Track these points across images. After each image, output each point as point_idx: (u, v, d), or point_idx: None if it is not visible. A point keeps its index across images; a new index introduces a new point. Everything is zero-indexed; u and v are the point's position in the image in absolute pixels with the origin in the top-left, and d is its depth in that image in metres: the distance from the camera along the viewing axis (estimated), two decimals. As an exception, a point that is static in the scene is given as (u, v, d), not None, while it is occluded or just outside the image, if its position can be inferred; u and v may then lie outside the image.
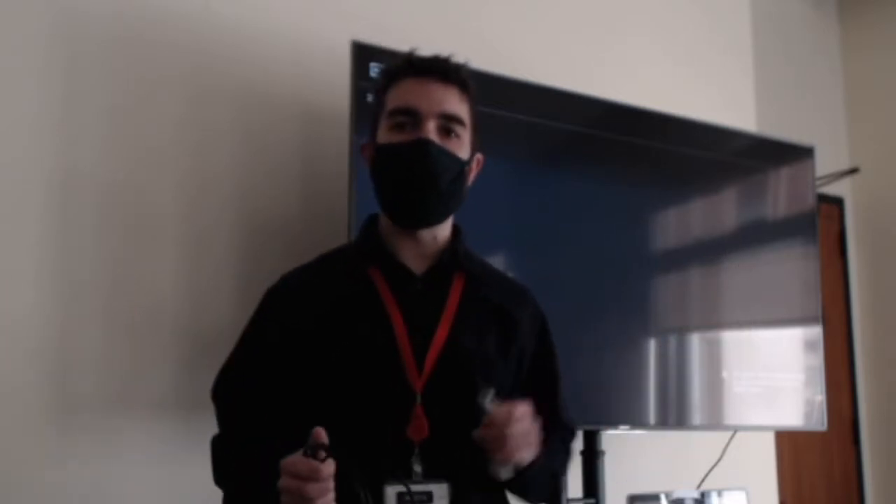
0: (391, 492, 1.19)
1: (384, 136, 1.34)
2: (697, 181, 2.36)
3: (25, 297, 1.64)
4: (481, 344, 1.35)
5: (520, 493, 1.37)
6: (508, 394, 1.31)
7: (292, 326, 1.31)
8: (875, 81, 3.95)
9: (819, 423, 2.47)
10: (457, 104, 1.36)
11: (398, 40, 1.90)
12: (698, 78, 2.72)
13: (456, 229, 1.41)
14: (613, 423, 2.12)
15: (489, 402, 1.19)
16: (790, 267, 2.46)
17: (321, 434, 1.10)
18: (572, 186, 2.13)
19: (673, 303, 2.28)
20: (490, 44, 2.23)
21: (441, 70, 1.35)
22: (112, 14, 1.77)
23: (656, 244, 2.29)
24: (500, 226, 2.02)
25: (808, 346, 2.47)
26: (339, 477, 1.11)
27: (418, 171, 1.30)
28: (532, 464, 1.25)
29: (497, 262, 2.06)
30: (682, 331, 2.28)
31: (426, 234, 1.36)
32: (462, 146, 1.37)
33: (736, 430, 2.35)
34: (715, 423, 2.30)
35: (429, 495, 1.20)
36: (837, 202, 3.94)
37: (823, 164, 2.90)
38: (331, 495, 1.10)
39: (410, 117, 1.32)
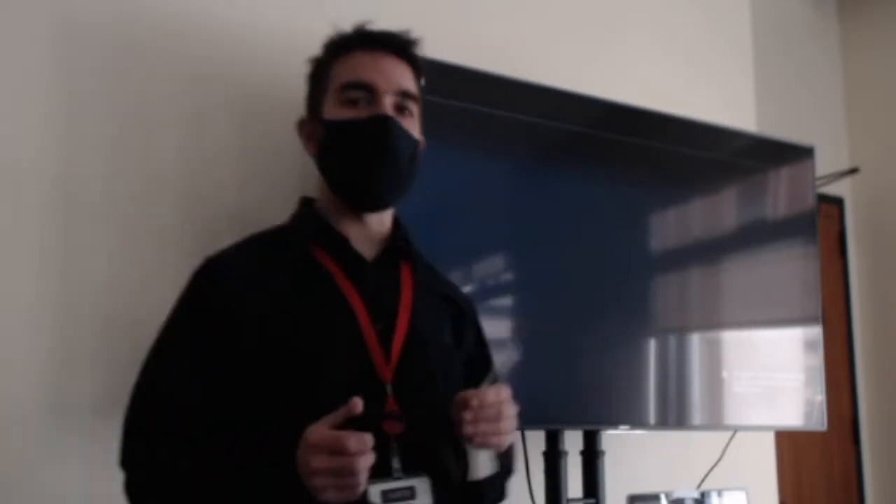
0: (374, 490, 1.12)
1: (333, 111, 1.26)
2: (697, 181, 2.36)
3: (26, 299, 1.64)
4: (438, 333, 1.31)
5: (495, 494, 1.29)
6: (461, 384, 1.26)
7: (243, 310, 1.18)
8: (875, 81, 3.95)
9: (819, 423, 2.47)
10: (411, 81, 1.30)
11: (398, 40, 1.91)
12: (698, 78, 2.72)
13: (395, 215, 1.35)
14: (613, 423, 2.12)
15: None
16: (790, 267, 2.46)
17: (358, 404, 1.04)
18: (572, 186, 2.13)
19: (673, 303, 2.28)
20: (490, 44, 2.22)
21: (397, 45, 1.30)
22: (112, 19, 1.77)
23: (656, 244, 2.29)
24: (499, 226, 2.02)
25: (808, 346, 2.47)
26: None
27: (380, 149, 1.23)
28: (508, 456, 1.21)
29: (497, 262, 2.06)
30: (682, 331, 2.28)
31: (374, 219, 1.29)
32: (415, 125, 1.31)
33: (736, 430, 2.35)
34: (715, 423, 2.31)
35: (412, 491, 1.14)
36: (837, 202, 3.94)
37: (823, 164, 2.90)
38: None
39: (365, 92, 1.25)
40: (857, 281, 3.94)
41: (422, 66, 1.33)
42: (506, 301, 2.07)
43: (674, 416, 2.23)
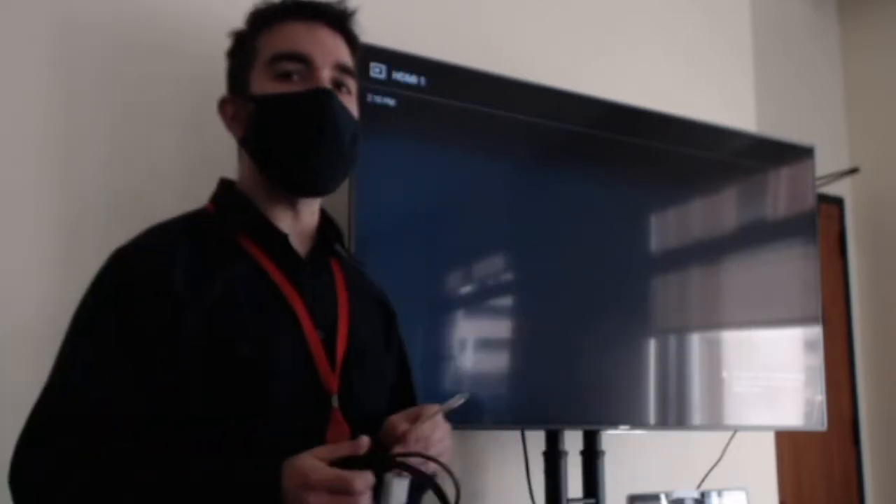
0: None
1: (264, 86, 1.12)
2: (697, 181, 2.36)
3: (28, 301, 1.64)
4: (376, 341, 1.23)
5: None
6: (390, 389, 1.23)
7: (177, 307, 1.04)
8: (875, 81, 3.95)
9: (819, 423, 2.47)
10: (348, 55, 1.19)
11: (398, 40, 1.91)
12: (698, 78, 2.72)
13: (322, 206, 1.23)
14: (613, 423, 2.12)
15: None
16: (790, 267, 2.46)
17: (365, 443, 0.97)
18: (572, 186, 2.13)
19: (673, 303, 2.28)
20: (490, 44, 2.23)
21: (333, 16, 1.18)
22: (112, 19, 1.77)
23: (656, 244, 2.29)
24: (499, 226, 2.02)
25: (808, 346, 2.47)
26: None
27: (320, 125, 1.11)
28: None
29: (497, 262, 2.06)
30: (682, 331, 2.28)
31: (306, 210, 1.18)
32: (354, 104, 1.19)
33: (736, 430, 2.35)
34: (715, 423, 2.31)
35: None
36: (837, 202, 3.94)
37: (823, 164, 2.90)
38: None
39: (300, 65, 1.12)
40: (857, 281, 3.94)
41: (359, 42, 1.22)
42: (506, 301, 2.07)
43: (674, 416, 2.24)
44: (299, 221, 1.17)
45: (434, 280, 1.92)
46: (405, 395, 1.30)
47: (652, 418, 2.17)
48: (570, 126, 2.14)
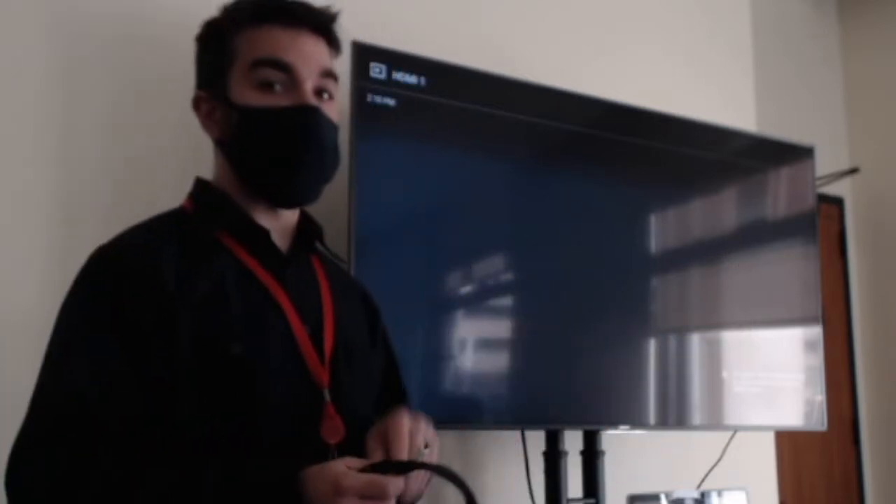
0: None
1: (246, 94, 1.10)
2: (697, 181, 2.36)
3: (27, 299, 1.64)
4: (361, 335, 1.24)
5: None
6: (378, 385, 1.24)
7: (167, 305, 1.03)
8: (875, 81, 3.95)
9: (819, 423, 2.47)
10: (329, 59, 1.17)
11: (398, 40, 1.91)
12: (698, 78, 2.72)
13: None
14: (613, 423, 2.12)
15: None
16: (790, 267, 2.46)
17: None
18: (572, 186, 2.13)
19: (673, 303, 2.28)
20: (490, 44, 2.22)
21: (318, 21, 1.15)
22: (111, 13, 1.77)
23: (656, 244, 2.29)
24: (499, 226, 2.02)
25: (808, 346, 2.47)
26: None
27: (305, 144, 1.10)
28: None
29: (497, 262, 2.06)
30: (682, 331, 2.28)
31: (287, 210, 1.18)
32: (334, 108, 1.17)
33: (736, 430, 2.35)
34: (715, 423, 2.31)
35: None
36: (837, 202, 3.94)
37: (823, 164, 2.90)
38: None
39: (283, 74, 1.10)
40: (857, 281, 3.94)
41: (340, 43, 1.20)
42: (506, 301, 2.07)
43: (674, 416, 2.24)
44: (279, 219, 1.17)
45: (434, 280, 1.92)
46: (392, 389, 1.31)
47: (652, 418, 2.17)
48: (570, 126, 2.14)
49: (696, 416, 2.26)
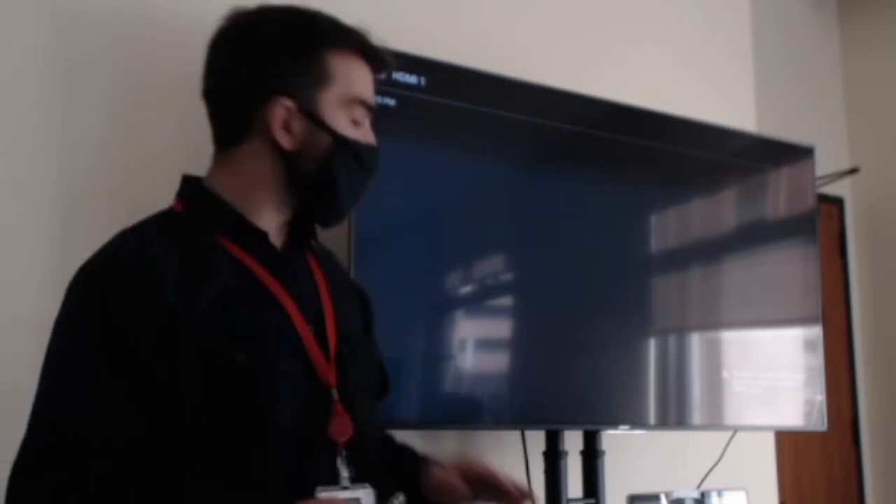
0: (323, 495, 1.03)
1: (340, 122, 1.13)
2: (697, 181, 2.36)
3: (27, 298, 1.64)
4: (360, 331, 1.24)
5: None
6: (377, 378, 1.26)
7: (170, 319, 1.01)
8: (875, 81, 3.95)
9: (819, 423, 2.47)
10: None
11: (398, 40, 1.90)
12: (698, 78, 2.72)
13: None
14: (613, 423, 2.12)
15: None
16: (790, 267, 2.46)
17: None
18: (572, 186, 2.13)
19: (673, 303, 2.28)
20: (490, 44, 2.22)
21: (387, 70, 1.22)
22: (112, 13, 1.77)
23: (656, 244, 2.29)
24: (499, 226, 2.02)
25: (808, 346, 2.47)
26: None
27: (370, 180, 1.18)
28: None
29: (497, 262, 2.06)
30: (682, 331, 2.28)
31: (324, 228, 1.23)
32: None
33: (736, 430, 2.35)
34: (715, 423, 2.30)
35: (357, 502, 1.04)
36: (837, 202, 3.94)
37: (823, 164, 2.90)
38: None
39: (366, 113, 1.16)
40: (857, 281, 3.94)
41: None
42: (506, 301, 2.07)
43: (674, 416, 2.24)
44: (276, 220, 1.16)
45: (434, 280, 1.92)
46: (380, 379, 1.31)
47: (652, 418, 2.17)
48: (570, 126, 2.14)
49: (696, 416, 2.26)
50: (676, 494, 2.07)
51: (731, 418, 2.31)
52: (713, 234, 2.37)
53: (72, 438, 0.98)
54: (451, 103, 1.94)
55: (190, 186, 1.17)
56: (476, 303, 2.01)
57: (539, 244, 2.05)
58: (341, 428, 1.08)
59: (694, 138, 2.34)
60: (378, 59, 1.18)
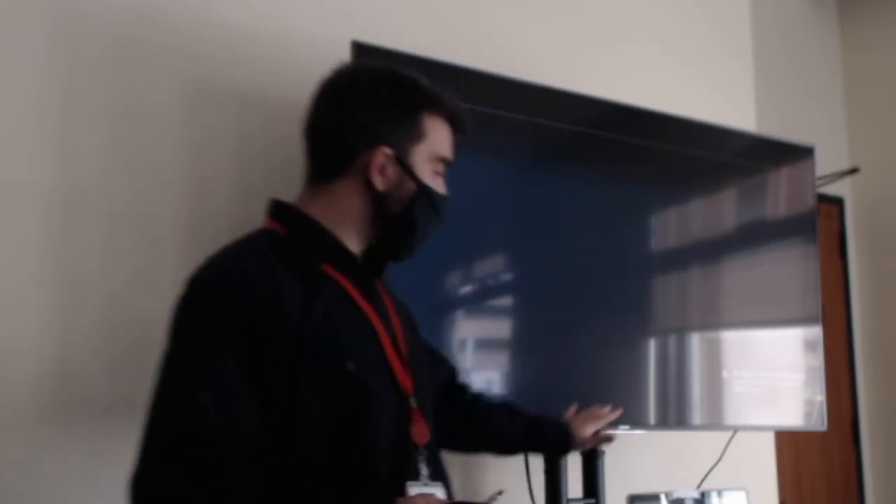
0: (413, 491, 1.20)
1: (426, 174, 1.32)
2: (697, 181, 2.36)
3: (27, 304, 1.64)
4: (417, 338, 1.40)
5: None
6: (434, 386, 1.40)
7: (288, 328, 1.15)
8: (875, 81, 3.95)
9: (819, 423, 2.47)
10: None
11: (398, 40, 1.91)
12: (698, 78, 2.72)
13: None
14: (613, 424, 2.11)
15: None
16: (790, 267, 2.46)
17: None
18: (572, 186, 2.13)
19: (673, 303, 2.28)
20: (490, 44, 2.22)
21: (467, 133, 1.39)
22: (111, 17, 1.77)
23: (656, 244, 2.29)
24: (499, 226, 2.02)
25: (808, 346, 2.47)
26: None
27: (439, 226, 1.38)
28: None
29: (497, 262, 2.06)
30: (682, 331, 2.28)
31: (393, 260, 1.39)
32: None
33: (736, 430, 2.35)
34: (715, 423, 2.30)
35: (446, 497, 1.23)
36: (837, 202, 3.94)
37: (823, 164, 2.90)
38: None
39: (444, 167, 1.36)
40: (857, 281, 3.94)
41: None
42: (506, 301, 2.07)
43: (674, 416, 2.23)
44: (359, 247, 1.32)
45: (433, 280, 1.92)
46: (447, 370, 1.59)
47: (652, 418, 2.17)
48: (570, 126, 2.14)
49: (696, 416, 2.26)
50: (676, 494, 2.07)
51: (731, 418, 2.31)
52: (713, 235, 2.37)
53: (201, 435, 1.08)
54: (451, 103, 1.94)
55: (288, 212, 1.30)
56: (475, 303, 2.01)
57: (539, 244, 2.05)
58: (420, 432, 1.25)
59: (694, 138, 2.34)
60: (462, 126, 1.36)
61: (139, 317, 1.75)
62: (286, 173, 1.94)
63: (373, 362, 1.23)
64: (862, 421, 3.86)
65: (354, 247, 1.30)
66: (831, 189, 3.79)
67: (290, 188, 1.94)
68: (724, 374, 2.30)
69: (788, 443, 3.41)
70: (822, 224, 3.10)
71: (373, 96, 1.30)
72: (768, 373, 2.38)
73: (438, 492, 1.22)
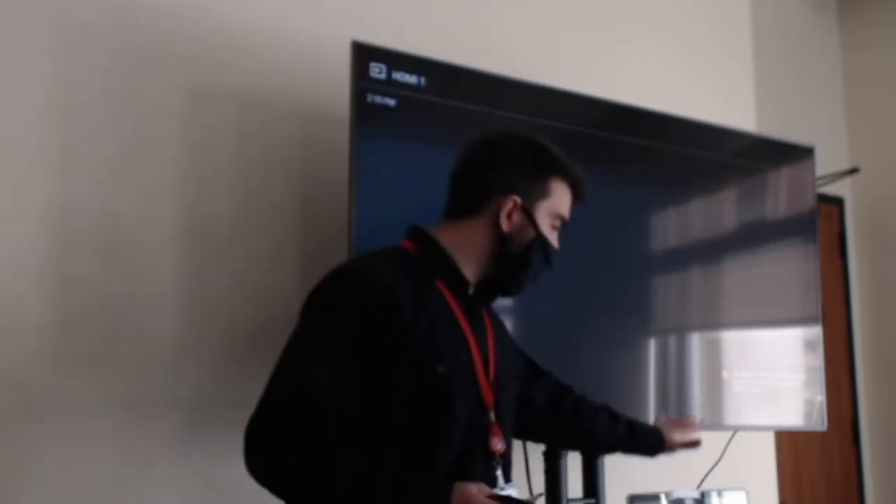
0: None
1: (545, 227, 1.50)
2: (697, 181, 2.36)
3: (28, 306, 1.64)
4: (510, 362, 1.57)
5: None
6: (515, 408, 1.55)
7: (401, 330, 1.34)
8: (875, 81, 3.95)
9: (819, 423, 2.47)
10: None
11: (398, 40, 1.91)
12: (698, 78, 2.72)
13: None
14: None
15: None
16: (790, 267, 2.46)
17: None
18: (572, 186, 2.12)
19: (673, 303, 2.28)
20: (490, 44, 2.23)
21: (585, 200, 1.57)
22: (112, 18, 1.77)
23: (656, 244, 2.29)
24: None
25: (808, 346, 2.47)
26: None
27: (546, 273, 1.54)
28: None
29: (497, 262, 2.05)
30: (682, 331, 2.28)
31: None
32: None
33: (736, 430, 2.35)
34: (715, 423, 2.30)
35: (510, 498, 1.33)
36: (837, 202, 3.94)
37: (823, 164, 2.90)
38: None
39: (560, 224, 1.54)
40: (857, 281, 3.94)
41: None
42: (506, 301, 2.07)
43: (674, 415, 2.23)
44: (474, 277, 1.49)
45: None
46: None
47: (652, 418, 2.17)
48: (570, 126, 2.14)
49: (696, 416, 2.26)
50: (676, 494, 2.07)
51: (731, 418, 2.31)
52: (713, 235, 2.37)
53: (310, 399, 1.28)
54: (450, 103, 1.94)
55: (422, 235, 1.50)
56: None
57: (539, 244, 2.05)
58: (497, 442, 1.42)
59: (694, 138, 2.34)
60: (583, 194, 1.55)
61: (139, 316, 1.75)
62: (286, 173, 1.95)
63: (460, 373, 1.40)
64: (862, 421, 3.86)
65: (470, 275, 1.48)
66: (831, 189, 3.79)
67: (290, 188, 1.95)
68: (725, 374, 2.30)
69: (788, 443, 3.42)
70: (822, 224, 3.10)
71: (516, 156, 1.51)
72: (768, 373, 2.38)
73: (514, 492, 1.39)
